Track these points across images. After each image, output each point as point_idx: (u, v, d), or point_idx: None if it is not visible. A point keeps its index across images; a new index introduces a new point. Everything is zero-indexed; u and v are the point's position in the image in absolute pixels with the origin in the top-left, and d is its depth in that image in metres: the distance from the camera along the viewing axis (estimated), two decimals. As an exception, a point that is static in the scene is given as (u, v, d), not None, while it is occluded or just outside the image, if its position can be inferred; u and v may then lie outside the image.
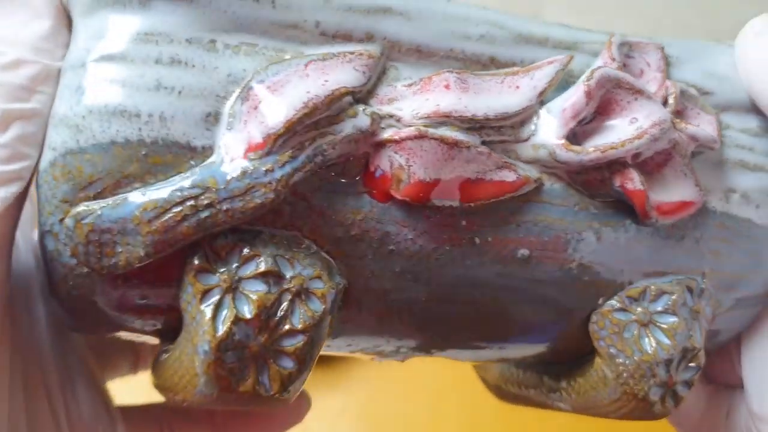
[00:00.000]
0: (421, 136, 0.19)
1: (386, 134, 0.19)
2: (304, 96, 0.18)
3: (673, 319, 0.22)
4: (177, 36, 0.18)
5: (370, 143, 0.19)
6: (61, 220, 0.19)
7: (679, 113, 0.23)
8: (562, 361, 0.25)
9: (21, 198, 0.19)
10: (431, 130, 0.19)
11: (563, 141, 0.20)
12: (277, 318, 0.19)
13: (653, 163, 0.22)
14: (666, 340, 0.22)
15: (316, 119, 0.18)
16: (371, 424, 0.56)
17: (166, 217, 0.18)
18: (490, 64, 0.21)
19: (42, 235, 0.19)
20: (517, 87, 0.20)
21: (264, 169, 0.18)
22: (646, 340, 0.22)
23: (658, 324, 0.22)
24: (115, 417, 0.24)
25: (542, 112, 0.21)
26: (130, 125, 0.18)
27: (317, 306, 0.19)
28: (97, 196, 0.18)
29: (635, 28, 0.92)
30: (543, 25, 0.23)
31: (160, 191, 0.18)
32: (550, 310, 0.22)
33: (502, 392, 0.30)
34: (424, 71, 0.20)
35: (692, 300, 0.23)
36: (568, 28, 0.23)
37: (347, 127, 0.19)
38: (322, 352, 0.21)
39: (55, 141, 0.19)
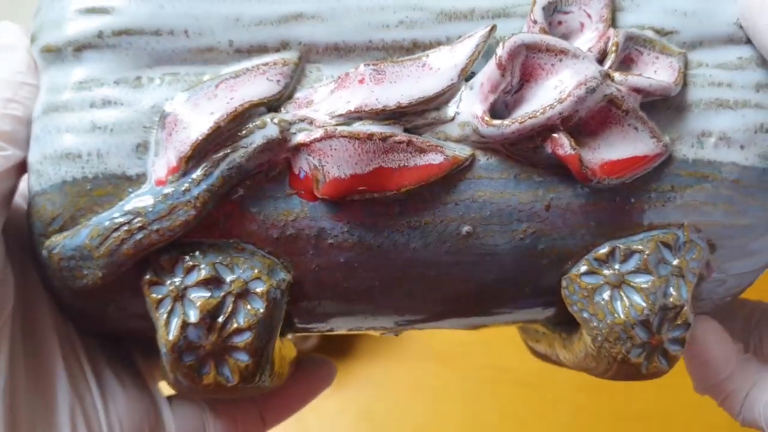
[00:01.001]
0: (328, 137, 0.20)
1: (298, 138, 0.20)
2: (207, 117, 0.20)
3: (646, 278, 0.22)
4: (106, 79, 0.21)
5: (286, 149, 0.21)
6: (42, 252, 0.22)
7: (629, 62, 0.22)
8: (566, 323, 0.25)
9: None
10: (340, 128, 0.20)
11: (483, 116, 0.20)
12: (222, 319, 0.21)
13: (593, 122, 0.21)
14: (640, 301, 0.21)
15: (224, 136, 0.20)
16: (371, 423, 0.56)
17: (109, 242, 0.21)
18: (414, 47, 0.21)
19: (39, 264, 0.22)
20: (439, 69, 0.21)
21: (182, 189, 0.20)
22: (619, 302, 0.22)
23: (631, 284, 0.22)
24: (159, 402, 0.26)
25: (465, 88, 0.21)
26: (74, 165, 0.21)
27: (259, 304, 0.21)
28: (61, 229, 0.21)
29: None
30: None
31: (103, 220, 0.21)
32: (510, 279, 0.22)
33: (532, 350, 0.30)
34: (347, 67, 0.21)
35: (672, 255, 0.22)
36: None
37: (257, 139, 0.20)
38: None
39: (29, 185, 0.22)
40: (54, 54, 0.21)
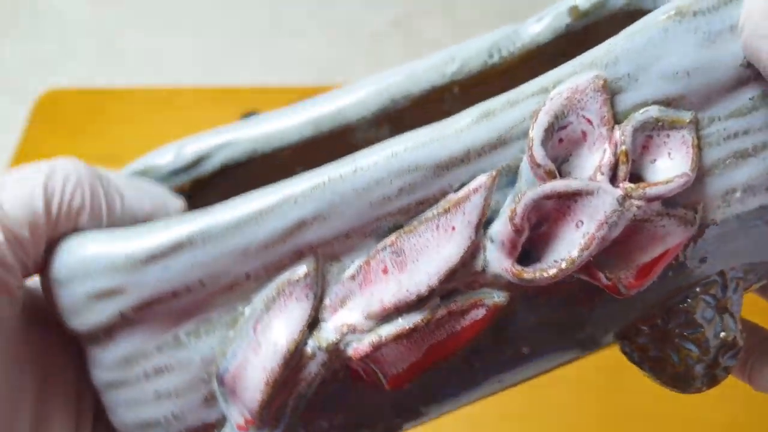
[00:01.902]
0: (377, 348, 0.20)
1: (349, 353, 0.20)
2: (262, 376, 0.19)
3: (697, 330, 0.22)
4: (148, 350, 0.20)
5: (342, 362, 0.20)
6: None
7: (642, 149, 0.21)
8: None
9: None
10: (384, 334, 0.20)
11: (513, 269, 0.20)
12: None
13: (621, 236, 0.20)
14: (696, 350, 0.22)
15: (284, 380, 0.20)
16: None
17: None
18: (421, 207, 0.20)
19: None
20: (453, 228, 0.20)
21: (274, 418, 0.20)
22: (676, 355, 0.22)
23: (684, 335, 0.22)
24: None
25: (487, 241, 0.20)
26: (158, 430, 0.21)
27: None
28: None
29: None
30: (459, 134, 0.20)
31: None
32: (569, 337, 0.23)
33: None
34: (365, 249, 0.20)
35: (714, 300, 0.22)
36: (487, 119, 0.20)
37: (313, 368, 0.20)
38: None
39: None
40: (87, 337, 0.21)
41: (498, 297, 0.21)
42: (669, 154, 0.20)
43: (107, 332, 0.20)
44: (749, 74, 0.20)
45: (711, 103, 0.21)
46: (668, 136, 0.20)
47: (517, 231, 0.19)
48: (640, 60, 0.20)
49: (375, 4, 1.01)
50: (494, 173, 0.20)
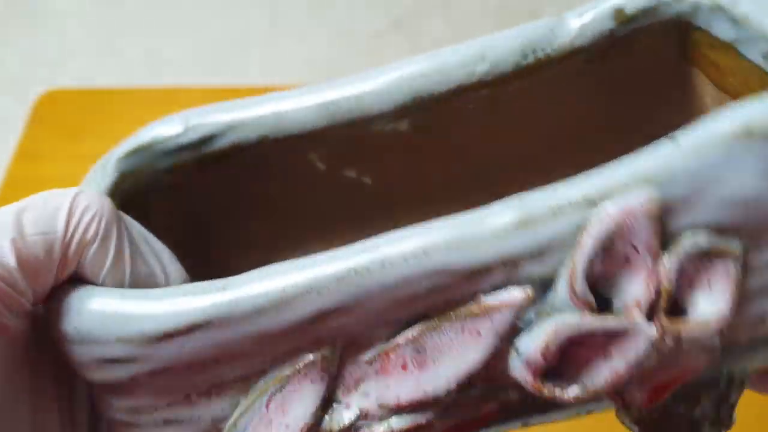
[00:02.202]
0: None
1: None
2: None
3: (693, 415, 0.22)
4: (159, 405, 0.20)
5: None
6: None
7: (684, 277, 0.19)
8: None
9: None
10: (397, 427, 0.19)
11: (537, 383, 0.19)
12: None
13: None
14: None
15: None
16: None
17: None
18: (448, 306, 0.19)
19: None
20: (479, 333, 0.19)
21: None
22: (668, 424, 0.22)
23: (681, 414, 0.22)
24: None
25: (513, 351, 0.19)
26: None
27: None
28: None
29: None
30: (496, 239, 0.18)
31: None
32: None
33: None
34: (385, 338, 0.20)
35: (718, 395, 0.22)
36: (526, 227, 0.18)
37: None
38: None
39: None
40: (97, 384, 0.21)
41: (513, 395, 0.20)
42: (709, 283, 0.19)
43: (118, 387, 0.20)
44: None
45: (764, 234, 0.19)
46: (711, 263, 0.19)
47: (545, 360, 0.19)
48: (698, 182, 0.18)
49: (375, 4, 1.01)
50: (530, 293, 0.19)
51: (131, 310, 0.19)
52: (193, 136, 0.24)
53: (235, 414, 0.20)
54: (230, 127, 0.24)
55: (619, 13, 0.23)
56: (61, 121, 0.77)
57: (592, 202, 0.18)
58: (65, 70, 0.95)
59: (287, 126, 0.24)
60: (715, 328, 0.19)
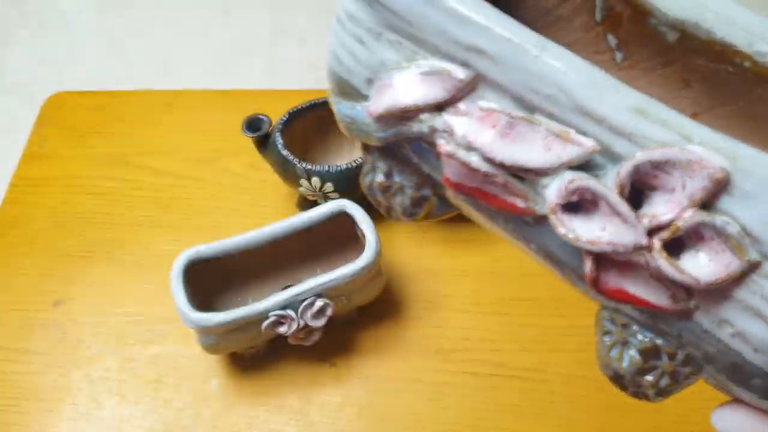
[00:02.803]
0: (450, 156, 0.24)
1: (437, 142, 0.25)
2: (388, 101, 0.25)
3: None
4: (364, 24, 0.26)
5: (431, 143, 0.25)
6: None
7: (699, 238, 0.22)
8: None
9: None
10: (461, 153, 0.24)
11: (554, 209, 0.23)
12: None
13: (625, 264, 0.23)
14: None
15: (398, 116, 0.25)
16: (372, 417, 0.57)
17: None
18: (551, 117, 0.23)
19: None
20: (550, 148, 0.23)
21: (373, 126, 0.26)
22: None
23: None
24: None
25: (557, 177, 0.23)
26: (339, 66, 0.27)
27: None
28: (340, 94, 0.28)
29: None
30: (610, 104, 0.22)
31: (344, 108, 0.27)
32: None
33: None
34: (503, 101, 0.24)
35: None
36: (636, 112, 0.22)
37: (415, 128, 0.25)
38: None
39: None
40: None
41: (539, 207, 0.24)
42: (710, 260, 0.22)
43: None
44: None
45: None
46: (723, 250, 0.21)
47: (567, 192, 0.23)
48: (761, 193, 0.21)
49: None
50: (598, 148, 0.23)
51: None
52: None
53: (393, 67, 0.25)
54: None
55: None
56: (68, 122, 0.78)
57: (688, 138, 0.21)
58: (72, 73, 0.96)
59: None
60: (687, 280, 0.21)
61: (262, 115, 0.63)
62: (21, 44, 1.01)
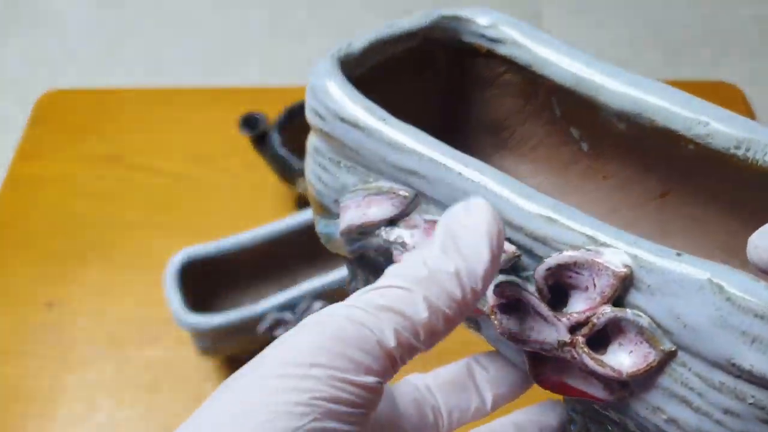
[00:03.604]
0: None
1: (393, 252, 0.27)
2: (347, 220, 0.28)
3: None
4: (325, 154, 0.29)
5: (387, 253, 0.28)
6: None
7: (618, 332, 0.23)
8: None
9: None
10: None
11: (493, 310, 0.25)
12: None
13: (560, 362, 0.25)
14: None
15: (357, 232, 0.28)
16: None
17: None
18: None
19: None
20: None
21: (342, 241, 0.29)
22: None
23: None
24: None
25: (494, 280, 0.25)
26: (313, 188, 0.30)
27: None
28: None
29: (633, 29, 0.92)
30: (525, 213, 0.24)
31: (325, 226, 0.31)
32: None
33: None
34: (443, 212, 0.26)
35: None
36: (546, 220, 0.24)
37: (374, 241, 0.28)
38: None
39: None
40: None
41: (485, 308, 0.26)
42: (630, 352, 0.23)
43: (314, 129, 0.29)
44: (731, 369, 0.22)
45: (691, 354, 0.22)
46: (640, 342, 0.23)
47: (498, 295, 0.25)
48: (664, 286, 0.22)
49: (374, 4, 1.01)
50: (519, 253, 0.25)
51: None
52: (494, 33, 0.29)
53: (350, 190, 0.28)
54: (521, 47, 0.29)
55: None
56: (62, 121, 0.77)
57: (594, 240, 0.23)
58: (66, 71, 0.95)
59: (553, 70, 0.28)
60: (610, 373, 0.23)
61: (259, 113, 0.63)
62: (14, 42, 1.00)
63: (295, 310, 0.54)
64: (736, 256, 0.28)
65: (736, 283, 0.21)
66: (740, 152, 0.25)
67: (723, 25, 0.94)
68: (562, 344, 0.24)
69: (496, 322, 0.25)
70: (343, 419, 0.20)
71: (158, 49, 0.97)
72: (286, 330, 0.53)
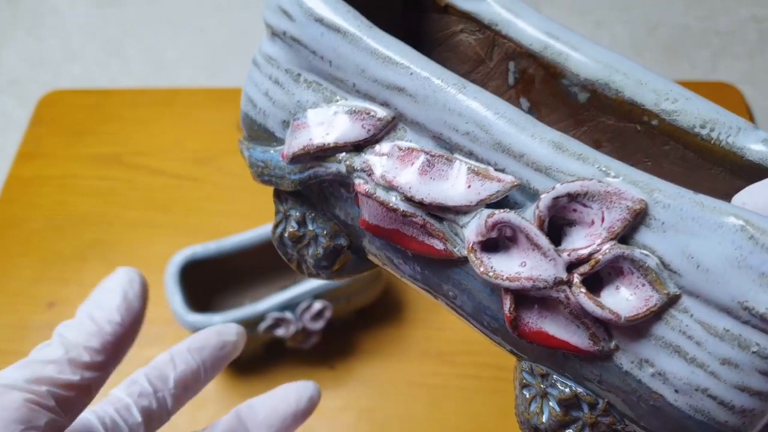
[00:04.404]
0: (368, 196, 0.24)
1: (354, 182, 0.25)
2: (303, 141, 0.25)
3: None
4: (281, 65, 0.26)
5: (347, 183, 0.25)
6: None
7: (618, 273, 0.22)
8: None
9: None
10: (380, 192, 0.24)
11: (473, 248, 0.23)
12: None
13: (544, 303, 0.23)
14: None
15: (314, 156, 0.25)
16: (372, 420, 0.56)
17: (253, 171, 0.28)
18: (470, 155, 0.24)
19: None
20: (469, 186, 0.23)
21: (288, 168, 0.26)
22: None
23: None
24: None
25: (476, 215, 0.23)
26: (252, 109, 0.27)
27: None
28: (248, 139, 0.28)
29: (632, 29, 0.92)
30: (528, 140, 0.23)
31: (256, 154, 0.27)
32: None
33: None
34: (423, 140, 0.24)
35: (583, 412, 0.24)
36: (554, 147, 0.23)
37: (332, 168, 0.25)
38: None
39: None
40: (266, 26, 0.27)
41: (458, 250, 0.24)
42: (630, 295, 0.22)
43: (273, 34, 0.26)
44: (740, 314, 0.21)
45: (697, 299, 0.21)
46: (642, 285, 0.21)
47: (486, 227, 0.23)
48: (680, 222, 0.21)
49: (375, 5, 1.01)
50: (517, 183, 0.23)
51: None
52: None
53: (312, 105, 0.26)
54: (487, 3, 0.28)
55: None
56: (63, 121, 0.77)
57: (606, 171, 0.22)
58: (67, 72, 0.95)
59: (518, 32, 0.27)
60: (607, 316, 0.21)
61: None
62: (15, 42, 1.00)
63: (295, 310, 0.54)
64: None
65: (760, 221, 0.20)
66: (704, 131, 0.25)
67: (722, 25, 0.94)
68: (559, 282, 0.22)
69: (476, 260, 0.23)
70: None
71: (158, 49, 0.97)
72: (287, 329, 0.53)
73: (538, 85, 0.28)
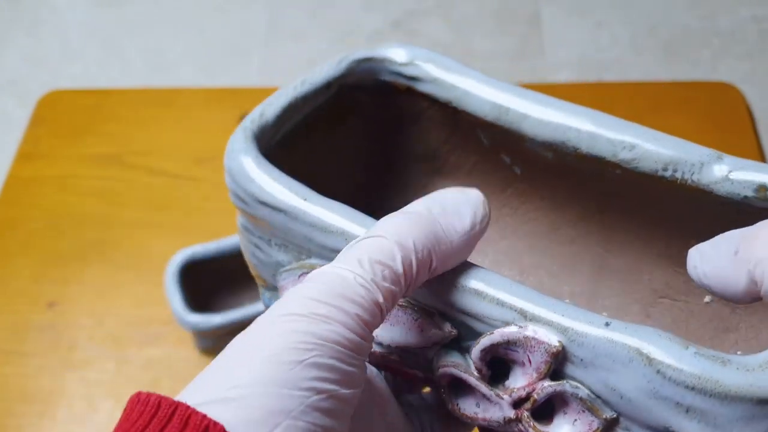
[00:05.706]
0: None
1: None
2: None
3: None
4: (254, 233, 0.28)
5: None
6: None
7: (562, 403, 0.23)
8: None
9: None
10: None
11: (446, 389, 0.25)
12: None
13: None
14: None
15: None
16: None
17: None
18: (418, 302, 0.25)
19: None
20: (422, 330, 0.25)
21: None
22: None
23: None
24: None
25: (434, 353, 0.25)
26: (251, 262, 0.30)
27: None
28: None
29: (633, 29, 0.92)
30: (451, 289, 0.24)
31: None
32: None
33: None
34: None
35: None
36: (475, 295, 0.24)
37: None
38: None
39: None
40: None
41: (420, 375, 0.26)
42: (574, 421, 0.23)
43: (240, 211, 0.28)
44: None
45: (636, 422, 0.22)
46: (583, 411, 0.23)
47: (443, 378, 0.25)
48: (597, 359, 0.22)
49: (375, 5, 1.01)
50: (455, 333, 0.25)
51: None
52: (412, 71, 0.29)
53: (285, 268, 0.28)
54: (440, 83, 0.28)
55: (761, 189, 0.24)
56: (63, 121, 0.77)
57: (523, 315, 0.23)
58: (67, 72, 0.95)
59: (473, 104, 0.28)
60: None
61: (259, 113, 0.63)
62: (14, 42, 1.00)
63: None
64: (681, 265, 0.27)
65: (664, 352, 0.21)
66: (668, 173, 0.25)
67: (722, 25, 0.94)
68: (508, 420, 0.24)
69: (446, 398, 0.25)
70: (344, 359, 0.21)
71: (158, 49, 0.97)
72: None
73: (509, 145, 0.29)
